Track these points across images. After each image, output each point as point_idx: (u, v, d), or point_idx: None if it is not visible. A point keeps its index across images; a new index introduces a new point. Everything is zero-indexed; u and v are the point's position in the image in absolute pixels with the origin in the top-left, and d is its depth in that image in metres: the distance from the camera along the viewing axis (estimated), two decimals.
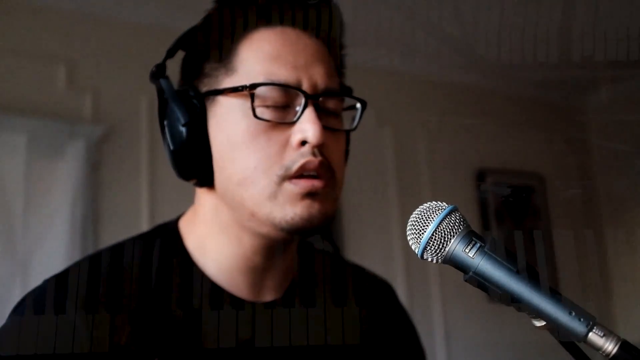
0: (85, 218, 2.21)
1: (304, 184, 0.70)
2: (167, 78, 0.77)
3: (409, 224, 0.64)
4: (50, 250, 2.14)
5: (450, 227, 0.62)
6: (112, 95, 2.41)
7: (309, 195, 0.71)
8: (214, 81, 0.75)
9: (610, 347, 0.58)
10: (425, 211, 0.63)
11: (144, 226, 2.29)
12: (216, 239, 0.77)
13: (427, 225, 0.62)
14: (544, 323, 0.63)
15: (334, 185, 0.74)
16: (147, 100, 2.41)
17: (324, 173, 0.71)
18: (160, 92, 0.77)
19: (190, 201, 0.85)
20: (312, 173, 0.71)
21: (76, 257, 2.01)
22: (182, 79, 0.79)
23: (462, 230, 0.62)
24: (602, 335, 0.58)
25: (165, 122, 0.75)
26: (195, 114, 0.73)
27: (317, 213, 0.71)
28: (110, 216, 2.31)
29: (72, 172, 2.21)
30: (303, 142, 0.70)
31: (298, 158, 0.70)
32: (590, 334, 0.59)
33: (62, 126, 2.25)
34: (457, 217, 0.63)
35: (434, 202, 0.64)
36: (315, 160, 0.70)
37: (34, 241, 2.13)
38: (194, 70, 0.78)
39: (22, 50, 2.29)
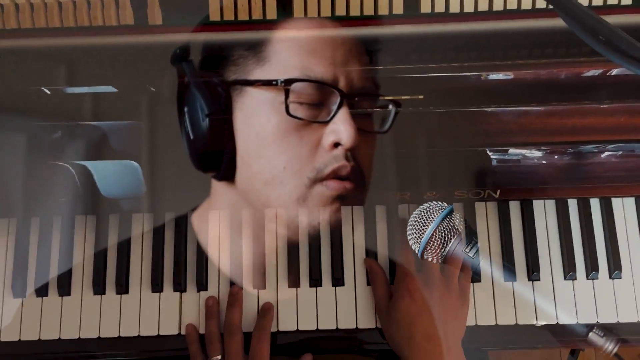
0: (85, 218, 2.20)
1: (335, 186, 0.69)
2: (190, 61, 0.73)
3: (409, 223, 0.64)
4: (50, 249, 2.12)
5: (450, 226, 0.62)
6: (113, 94, 2.40)
7: (339, 198, 0.70)
8: (243, 70, 0.71)
9: (610, 346, 0.58)
10: (425, 211, 0.63)
11: None
12: (233, 238, 0.76)
13: (427, 225, 0.62)
14: (544, 323, 0.63)
15: (363, 189, 0.73)
16: (147, 99, 2.40)
17: (356, 178, 0.70)
18: (181, 75, 0.73)
19: (189, 200, 0.84)
20: (343, 177, 0.69)
21: (76, 256, 1.99)
22: (204, 64, 0.75)
23: (462, 230, 0.62)
24: (602, 335, 0.59)
25: (185, 109, 0.72)
26: (220, 103, 0.71)
27: (343, 218, 0.70)
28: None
29: (72, 172, 2.20)
30: (336, 144, 0.68)
31: (330, 161, 0.68)
32: (591, 333, 0.59)
33: (62, 126, 2.24)
34: (458, 217, 0.63)
35: (434, 201, 0.64)
36: (348, 166, 0.68)
37: (34, 241, 2.12)
38: (219, 56, 0.73)
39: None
